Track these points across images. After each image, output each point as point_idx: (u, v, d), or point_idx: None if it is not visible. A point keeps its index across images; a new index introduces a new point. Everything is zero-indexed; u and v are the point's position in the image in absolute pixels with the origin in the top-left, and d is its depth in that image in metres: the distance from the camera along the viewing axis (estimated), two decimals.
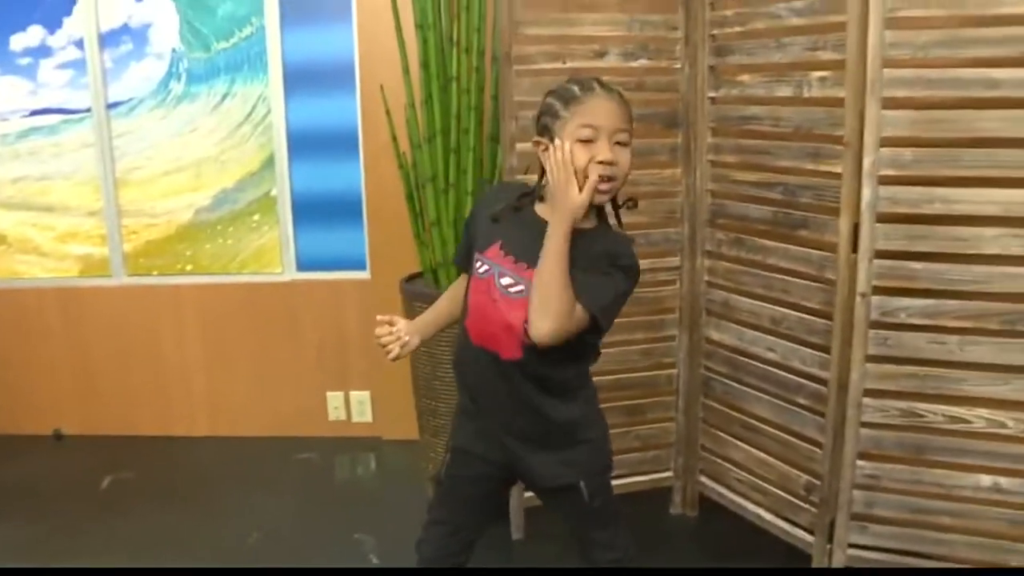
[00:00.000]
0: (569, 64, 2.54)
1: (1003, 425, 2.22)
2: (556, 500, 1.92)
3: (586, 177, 1.66)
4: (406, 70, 2.85)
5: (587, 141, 1.67)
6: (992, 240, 2.14)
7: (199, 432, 3.77)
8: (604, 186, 1.68)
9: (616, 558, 1.95)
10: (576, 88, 1.71)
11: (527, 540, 2.82)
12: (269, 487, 3.29)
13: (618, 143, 1.69)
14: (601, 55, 2.57)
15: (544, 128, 1.73)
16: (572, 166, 1.64)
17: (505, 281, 1.73)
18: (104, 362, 3.75)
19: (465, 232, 1.91)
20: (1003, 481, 2.25)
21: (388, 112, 2.92)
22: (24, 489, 3.33)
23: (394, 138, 2.93)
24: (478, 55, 2.77)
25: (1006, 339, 2.18)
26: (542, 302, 1.62)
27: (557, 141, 1.67)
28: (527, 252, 1.70)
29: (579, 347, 1.74)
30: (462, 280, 1.92)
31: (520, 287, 1.71)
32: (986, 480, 2.27)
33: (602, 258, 1.71)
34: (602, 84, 1.73)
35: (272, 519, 3.02)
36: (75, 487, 3.33)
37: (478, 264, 1.78)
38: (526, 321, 1.66)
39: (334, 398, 3.68)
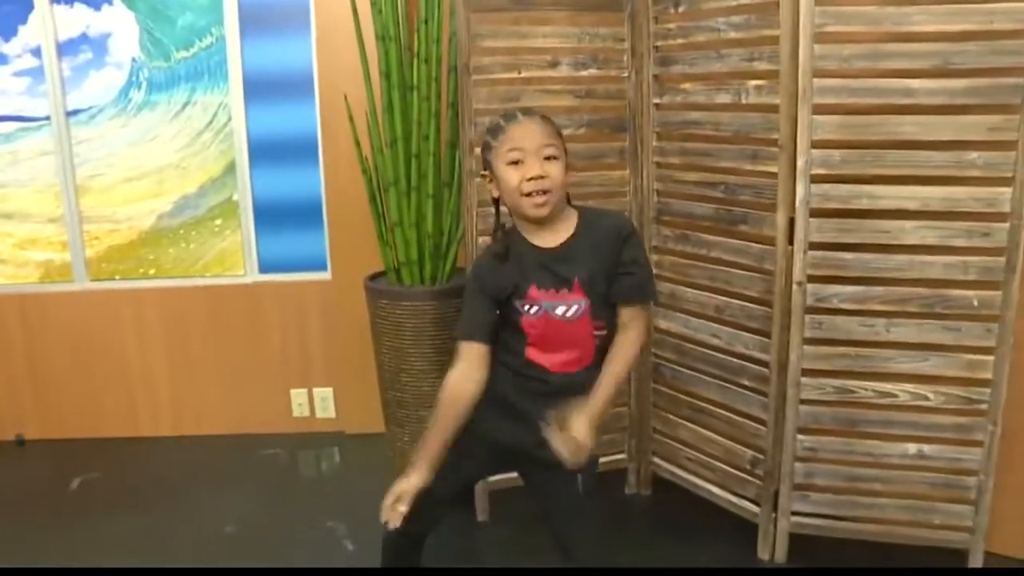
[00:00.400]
0: (524, 74, 2.71)
1: (925, 398, 2.46)
2: (552, 484, 2.02)
3: (522, 194, 1.85)
4: (368, 79, 2.98)
5: (517, 163, 1.86)
6: (912, 232, 2.36)
7: (164, 432, 3.84)
8: (540, 199, 1.85)
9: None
10: (501, 120, 1.92)
11: (492, 523, 2.98)
12: (238, 482, 3.39)
13: (546, 158, 1.86)
14: (554, 65, 2.74)
15: (486, 162, 1.94)
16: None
17: (560, 311, 1.89)
18: (66, 366, 3.80)
19: (475, 303, 1.95)
20: (926, 448, 2.49)
21: (352, 119, 3.05)
22: None
23: (357, 144, 3.06)
24: (436, 65, 2.92)
25: (925, 320, 2.41)
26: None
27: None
28: (558, 280, 1.88)
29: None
30: (455, 380, 1.93)
31: (574, 307, 1.88)
32: (912, 448, 2.51)
33: (614, 247, 1.89)
34: (525, 111, 1.94)
35: (244, 512, 3.13)
36: (44, 490, 3.39)
37: (527, 307, 1.90)
38: (595, 328, 1.91)
39: (298, 395, 3.79)
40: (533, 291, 1.90)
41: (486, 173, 1.95)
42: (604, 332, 1.93)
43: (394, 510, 1.88)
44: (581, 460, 1.80)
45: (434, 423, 1.94)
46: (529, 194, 1.84)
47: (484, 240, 2.74)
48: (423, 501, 1.99)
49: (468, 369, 1.92)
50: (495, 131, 1.90)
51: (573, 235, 1.90)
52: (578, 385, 1.90)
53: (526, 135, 1.86)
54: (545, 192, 1.85)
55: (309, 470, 3.59)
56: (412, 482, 1.89)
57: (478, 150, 2.64)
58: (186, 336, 3.76)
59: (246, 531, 3.00)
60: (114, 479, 3.47)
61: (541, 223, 1.89)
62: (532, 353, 1.93)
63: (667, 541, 2.84)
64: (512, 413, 1.97)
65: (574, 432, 1.79)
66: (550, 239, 1.91)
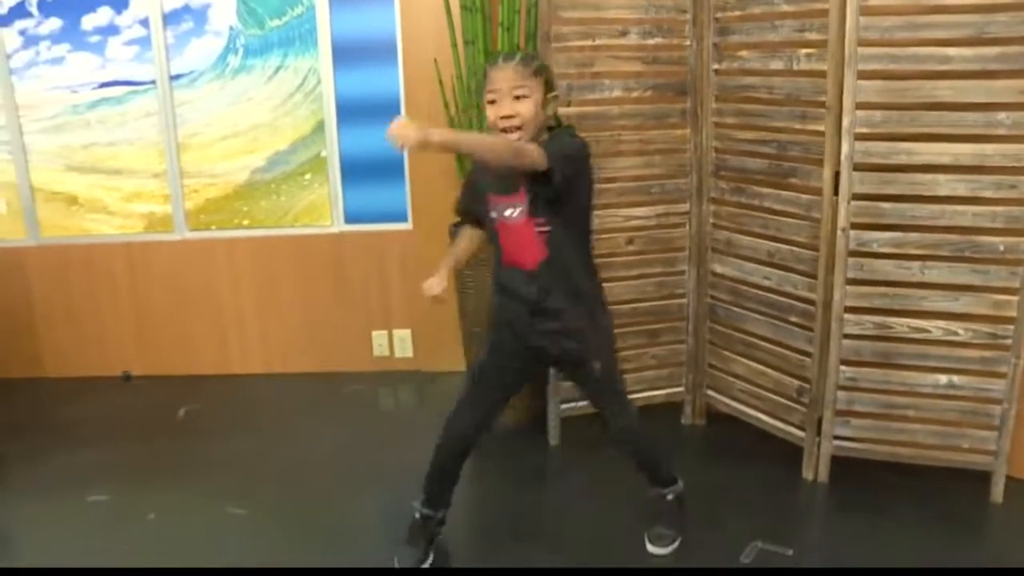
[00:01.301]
0: (597, 41, 3.00)
1: (955, 333, 2.74)
2: (573, 375, 2.53)
3: (499, 129, 2.19)
4: (454, 46, 3.29)
5: (493, 102, 2.22)
6: (944, 184, 2.64)
7: (254, 370, 4.21)
8: (515, 134, 2.20)
9: (626, 425, 2.54)
10: (487, 66, 2.29)
11: (562, 445, 3.32)
12: (326, 415, 3.75)
13: (517, 97, 2.19)
14: (623, 34, 3.02)
15: (479, 100, 2.35)
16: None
17: (508, 212, 2.28)
18: (167, 309, 4.17)
19: (464, 189, 2.50)
20: (956, 379, 2.77)
21: (441, 81, 3.36)
22: (107, 421, 3.77)
23: (446, 105, 3.38)
24: (516, 33, 3.22)
25: (956, 264, 2.69)
26: (495, 158, 2.12)
27: None
28: (507, 186, 2.26)
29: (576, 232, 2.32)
30: (466, 230, 2.51)
31: (518, 209, 2.26)
32: (943, 379, 2.79)
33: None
34: (506, 56, 2.27)
35: (336, 439, 3.48)
36: (155, 418, 3.78)
37: (491, 213, 2.32)
38: (536, 231, 2.25)
39: (378, 336, 4.13)
40: (491, 196, 2.30)
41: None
42: (548, 228, 2.26)
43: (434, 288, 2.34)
44: (400, 137, 2.02)
45: (453, 246, 2.50)
46: (504, 129, 2.19)
47: None
48: (476, 398, 2.49)
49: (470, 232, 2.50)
50: (482, 76, 2.27)
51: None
52: (541, 276, 2.29)
53: (500, 78, 2.20)
54: (517, 128, 2.19)
55: (390, 404, 3.95)
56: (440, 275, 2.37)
57: (560, 110, 2.98)
58: (275, 282, 4.12)
59: (340, 454, 3.35)
60: (215, 410, 3.85)
61: None
62: (504, 253, 2.35)
63: (721, 464, 3.16)
64: (515, 304, 2.36)
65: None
66: None
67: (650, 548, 2.61)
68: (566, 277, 2.31)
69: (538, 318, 2.33)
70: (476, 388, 2.51)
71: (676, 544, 2.62)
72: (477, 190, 2.38)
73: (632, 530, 2.69)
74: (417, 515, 2.57)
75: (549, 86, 2.25)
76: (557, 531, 2.79)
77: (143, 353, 4.24)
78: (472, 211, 2.46)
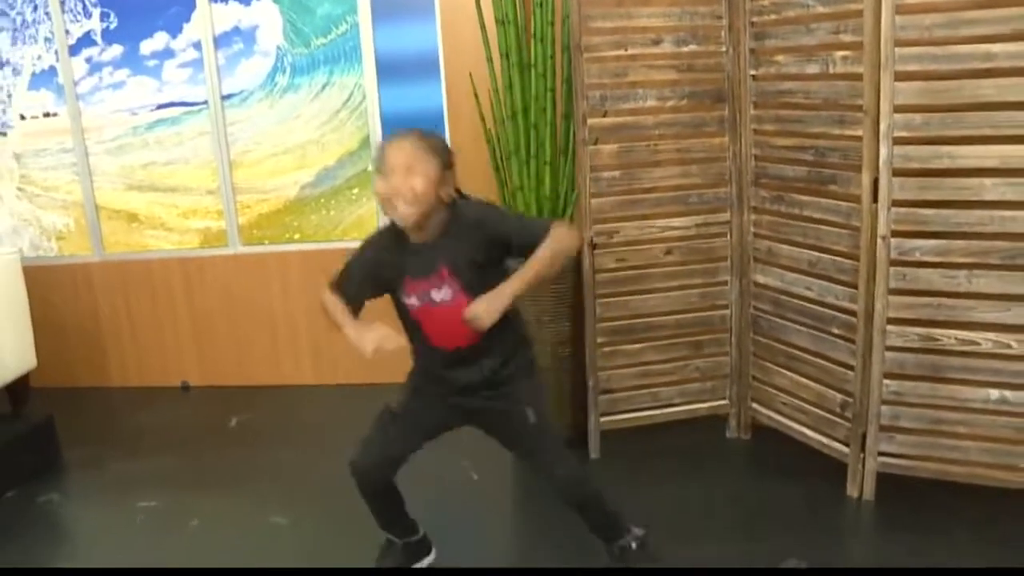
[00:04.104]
0: (631, 51, 2.97)
1: (1008, 346, 2.59)
2: (507, 427, 2.37)
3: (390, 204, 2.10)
4: (489, 59, 3.29)
5: (386, 176, 2.11)
6: (991, 189, 2.51)
7: (306, 380, 4.28)
8: (405, 208, 2.10)
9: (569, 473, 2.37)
10: (383, 141, 2.18)
11: (603, 458, 3.27)
12: None
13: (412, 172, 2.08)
14: (657, 42, 2.98)
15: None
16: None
17: (435, 296, 2.19)
18: (222, 322, 4.28)
19: (354, 274, 2.32)
20: (1009, 394, 2.63)
21: (476, 95, 3.36)
22: (166, 430, 3.89)
23: (482, 118, 3.38)
24: (551, 45, 3.20)
25: (1006, 272, 2.55)
26: (561, 262, 2.18)
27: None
28: (427, 268, 2.17)
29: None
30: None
31: (445, 291, 2.17)
32: (994, 394, 2.65)
33: (479, 233, 2.16)
34: (399, 134, 2.14)
35: None
36: (206, 428, 3.89)
37: (408, 299, 2.23)
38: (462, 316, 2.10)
39: None
40: (408, 282, 2.20)
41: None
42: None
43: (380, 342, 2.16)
44: (481, 318, 2.05)
45: (335, 312, 2.30)
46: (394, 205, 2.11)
47: (597, 201, 3.04)
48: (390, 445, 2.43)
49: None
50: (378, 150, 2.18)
51: (441, 231, 2.17)
52: (481, 351, 2.22)
53: (391, 155, 2.10)
54: (408, 204, 2.09)
55: None
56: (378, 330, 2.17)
57: (591, 120, 2.97)
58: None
59: None
60: (266, 420, 3.93)
61: (411, 228, 2.16)
62: (433, 339, 2.26)
63: (765, 478, 3.07)
64: (445, 384, 2.32)
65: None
66: (422, 235, 2.18)
67: None
68: (506, 341, 2.26)
69: (479, 393, 2.31)
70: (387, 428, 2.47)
71: None
72: (377, 276, 2.28)
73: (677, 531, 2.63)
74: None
75: (447, 164, 2.17)
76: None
77: (201, 364, 4.37)
78: (360, 299, 2.31)
